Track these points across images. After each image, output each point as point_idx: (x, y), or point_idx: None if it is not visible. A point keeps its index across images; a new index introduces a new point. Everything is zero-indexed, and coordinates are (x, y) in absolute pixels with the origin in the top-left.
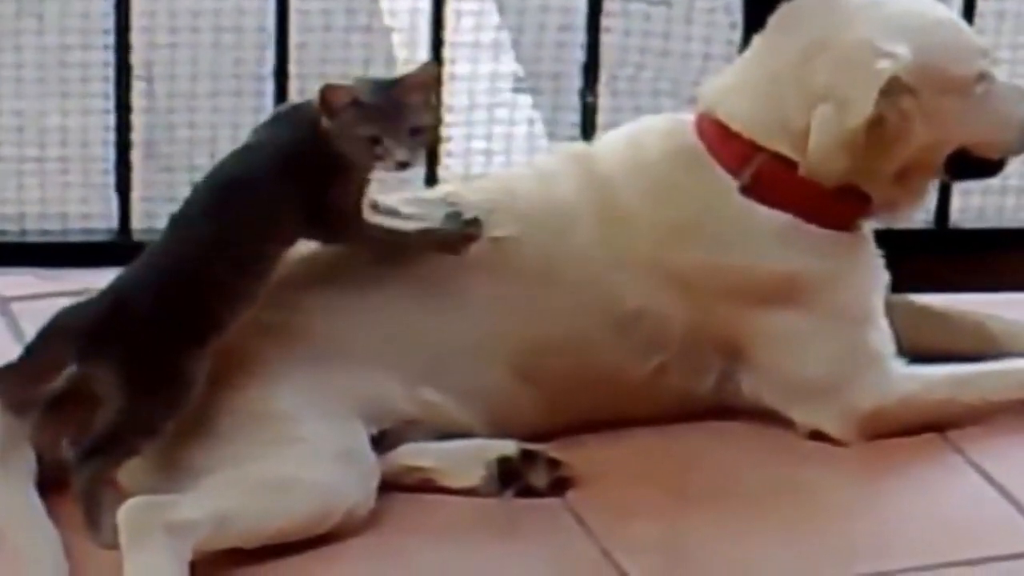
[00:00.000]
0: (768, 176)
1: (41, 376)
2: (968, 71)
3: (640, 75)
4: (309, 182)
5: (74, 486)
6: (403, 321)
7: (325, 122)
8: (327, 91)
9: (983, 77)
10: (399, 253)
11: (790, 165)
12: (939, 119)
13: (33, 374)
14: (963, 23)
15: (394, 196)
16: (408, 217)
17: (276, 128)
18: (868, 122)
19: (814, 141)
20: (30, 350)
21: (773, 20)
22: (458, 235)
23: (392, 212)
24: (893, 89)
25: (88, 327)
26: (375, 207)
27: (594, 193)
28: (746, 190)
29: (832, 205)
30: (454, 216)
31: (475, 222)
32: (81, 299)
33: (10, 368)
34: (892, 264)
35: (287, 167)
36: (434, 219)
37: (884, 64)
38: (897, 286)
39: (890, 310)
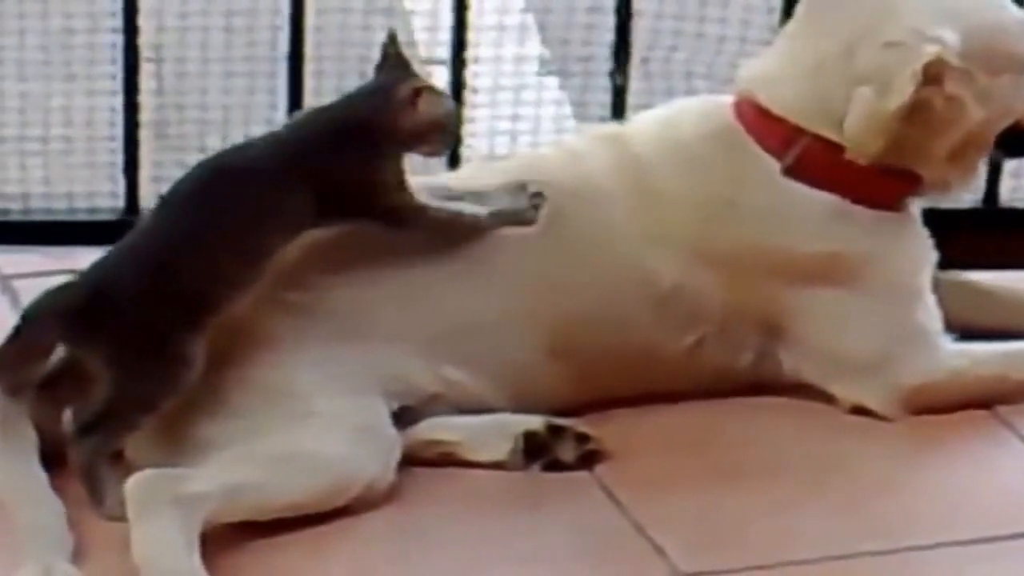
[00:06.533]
0: (813, 158)
1: (30, 359)
2: (1021, 48)
3: (673, 57)
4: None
5: (73, 461)
6: (427, 298)
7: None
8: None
9: None
10: (469, 234)
11: (835, 147)
12: (995, 98)
13: (22, 357)
14: (1008, 1)
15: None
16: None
17: (297, 128)
18: (907, 108)
19: (850, 122)
20: (16, 333)
21: (805, 5)
22: (529, 207)
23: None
24: (936, 75)
25: (73, 307)
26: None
27: (628, 172)
28: (789, 171)
29: (879, 185)
30: (518, 190)
31: (540, 195)
32: (64, 280)
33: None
34: (941, 242)
35: (299, 163)
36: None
37: (929, 49)
38: (946, 264)
39: (939, 287)
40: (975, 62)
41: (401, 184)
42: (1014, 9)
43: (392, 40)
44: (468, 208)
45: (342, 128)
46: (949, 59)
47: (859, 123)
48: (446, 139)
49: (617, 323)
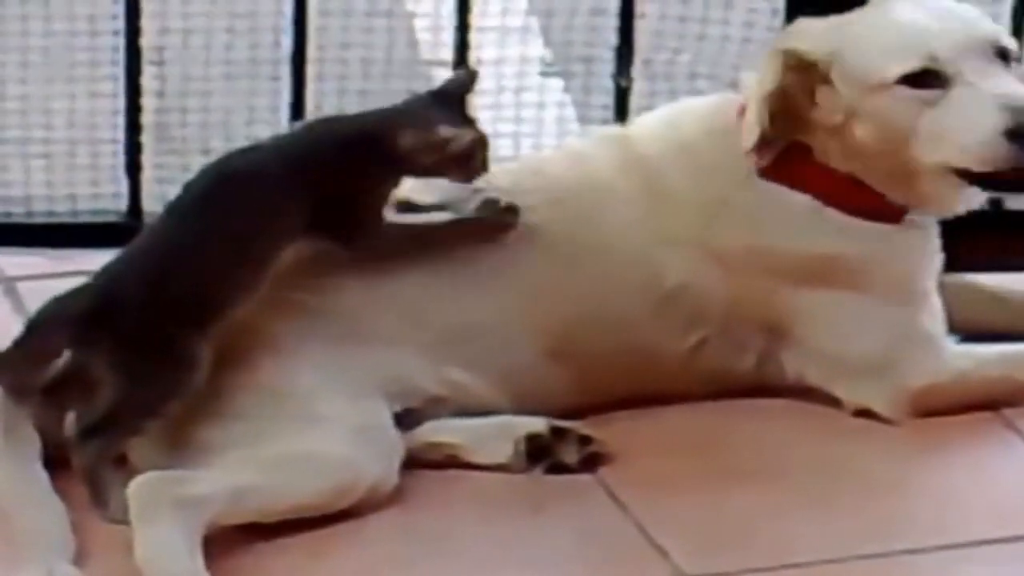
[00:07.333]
0: (788, 159)
1: (36, 363)
2: (886, 71)
3: (676, 59)
4: (328, 185)
5: (76, 464)
6: (430, 300)
7: None
8: None
9: (916, 81)
10: (425, 248)
11: (808, 150)
12: (879, 117)
13: (28, 361)
14: (937, 26)
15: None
16: (439, 208)
17: (296, 135)
18: (773, 95)
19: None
20: (24, 337)
21: None
22: (495, 223)
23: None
24: (796, 66)
25: (80, 313)
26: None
27: (632, 173)
28: (764, 173)
29: (848, 191)
30: (490, 204)
31: (512, 209)
32: (71, 285)
33: (5, 355)
34: (946, 245)
35: (302, 168)
36: (468, 208)
37: (789, 43)
38: (951, 266)
39: (944, 290)
40: (841, 73)
41: (383, 204)
42: (926, 34)
43: (468, 75)
44: (427, 220)
45: (354, 139)
46: (805, 55)
47: (748, 118)
48: (469, 171)
49: (619, 324)
